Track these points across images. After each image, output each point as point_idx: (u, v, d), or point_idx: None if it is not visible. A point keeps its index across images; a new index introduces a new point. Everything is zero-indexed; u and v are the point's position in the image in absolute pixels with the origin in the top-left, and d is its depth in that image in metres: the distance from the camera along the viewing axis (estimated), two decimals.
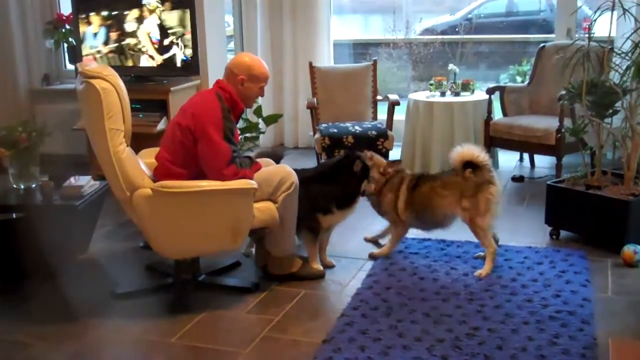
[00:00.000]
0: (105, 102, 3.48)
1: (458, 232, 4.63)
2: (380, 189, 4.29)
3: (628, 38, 4.40)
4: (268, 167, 3.96)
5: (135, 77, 5.75)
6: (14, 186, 4.29)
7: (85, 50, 5.75)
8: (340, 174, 4.15)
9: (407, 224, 4.32)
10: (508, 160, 6.37)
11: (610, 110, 4.44)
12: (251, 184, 3.61)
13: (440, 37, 7.95)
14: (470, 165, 4.05)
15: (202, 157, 3.63)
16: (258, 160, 3.92)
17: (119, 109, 3.55)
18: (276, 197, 3.76)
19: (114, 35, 5.67)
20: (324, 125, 6.07)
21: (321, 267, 4.12)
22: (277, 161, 4.33)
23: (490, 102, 5.95)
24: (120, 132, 3.55)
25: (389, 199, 4.29)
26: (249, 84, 3.80)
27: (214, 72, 5.79)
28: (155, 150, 3.88)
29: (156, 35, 5.58)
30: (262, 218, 3.72)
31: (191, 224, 3.60)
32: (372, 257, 4.33)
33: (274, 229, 3.83)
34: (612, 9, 4.33)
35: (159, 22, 5.53)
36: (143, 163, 3.81)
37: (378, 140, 5.83)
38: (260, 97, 3.97)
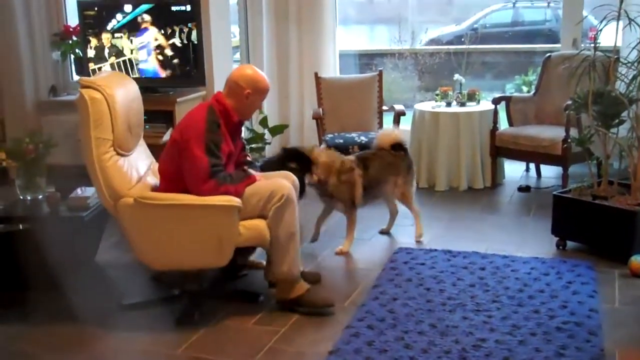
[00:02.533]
0: (92, 111, 3.57)
1: (464, 242, 4.64)
2: (327, 178, 4.46)
3: (634, 48, 4.41)
4: (266, 181, 3.83)
5: (141, 88, 5.75)
6: (21, 197, 4.30)
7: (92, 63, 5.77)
8: (282, 169, 4.18)
9: (358, 208, 4.63)
10: (514, 170, 6.36)
11: (617, 120, 4.43)
12: (233, 200, 3.53)
13: (445, 47, 7.97)
14: (400, 147, 4.74)
15: (183, 171, 3.62)
16: (256, 174, 3.83)
17: (108, 119, 3.61)
18: (267, 211, 3.64)
19: (121, 47, 5.69)
20: (329, 135, 6.07)
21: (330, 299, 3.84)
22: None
23: (496, 112, 5.94)
24: (107, 141, 3.60)
25: (343, 189, 4.51)
26: (254, 97, 3.78)
27: (220, 83, 5.75)
28: None
29: (163, 46, 5.59)
30: (249, 236, 3.62)
31: (171, 237, 3.60)
32: (340, 254, 4.56)
33: (272, 246, 3.70)
34: (618, 19, 4.34)
35: (165, 33, 5.55)
36: (153, 173, 3.90)
37: None
38: (265, 108, 3.97)
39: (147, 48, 5.62)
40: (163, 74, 5.68)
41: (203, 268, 3.80)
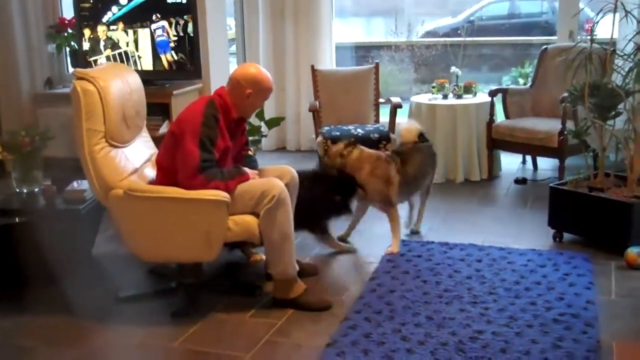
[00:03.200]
0: (84, 103, 3.58)
1: (461, 234, 4.64)
2: (344, 167, 4.41)
3: (630, 40, 4.40)
4: (260, 179, 3.80)
5: None
6: (17, 190, 4.30)
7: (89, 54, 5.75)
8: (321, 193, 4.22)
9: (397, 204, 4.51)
10: (511, 162, 6.37)
11: (613, 112, 4.43)
12: (221, 195, 3.51)
13: (442, 39, 7.95)
14: (425, 138, 4.76)
15: (176, 163, 3.61)
16: (249, 171, 3.77)
17: (100, 111, 3.62)
18: (258, 210, 3.59)
19: (117, 40, 5.67)
20: (326, 128, 6.07)
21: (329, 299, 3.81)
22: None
23: (492, 104, 5.94)
24: (98, 132, 3.62)
25: (378, 188, 4.38)
26: (255, 97, 3.74)
27: (216, 75, 5.79)
28: None
29: (159, 38, 5.58)
30: (238, 231, 3.59)
31: (160, 230, 3.61)
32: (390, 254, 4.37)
33: (266, 247, 3.68)
34: (614, 11, 4.33)
35: (162, 25, 5.53)
36: (152, 164, 3.94)
37: (380, 143, 5.82)
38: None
39: (143, 40, 5.62)
40: (159, 66, 5.66)
41: (192, 261, 3.82)
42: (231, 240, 3.64)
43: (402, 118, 6.16)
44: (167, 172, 3.68)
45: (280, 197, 3.57)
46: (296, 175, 3.98)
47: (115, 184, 3.61)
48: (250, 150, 4.10)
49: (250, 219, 3.61)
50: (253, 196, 3.60)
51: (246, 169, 3.76)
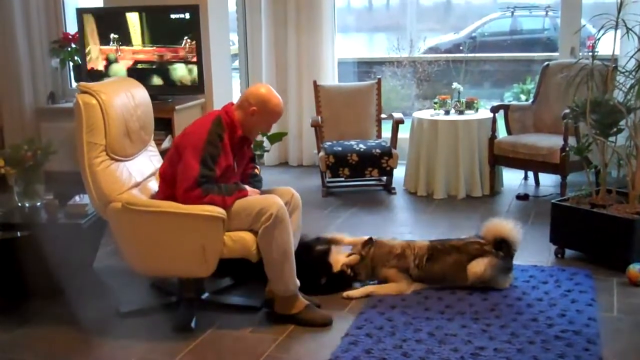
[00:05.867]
0: (86, 116, 3.60)
1: None
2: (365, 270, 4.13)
3: (632, 57, 4.41)
4: (259, 196, 3.76)
5: None
6: (19, 204, 4.30)
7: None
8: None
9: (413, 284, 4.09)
10: (512, 178, 6.37)
11: (615, 129, 4.44)
12: (216, 211, 3.50)
13: (444, 55, 7.98)
14: (506, 246, 4.06)
15: (176, 176, 3.62)
16: (249, 189, 3.75)
17: (101, 124, 3.64)
18: (256, 228, 3.57)
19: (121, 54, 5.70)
20: (328, 143, 6.08)
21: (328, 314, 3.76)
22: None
23: (494, 120, 5.95)
24: (99, 145, 3.64)
25: (391, 273, 4.09)
26: (259, 117, 3.70)
27: (219, 91, 5.81)
28: None
29: (162, 53, 5.61)
30: (234, 248, 3.57)
31: (156, 244, 3.61)
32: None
33: (266, 265, 3.63)
34: (616, 28, 4.35)
35: (165, 41, 5.57)
36: (157, 178, 3.95)
37: (382, 159, 5.84)
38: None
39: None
40: (162, 81, 5.68)
41: (188, 276, 3.82)
42: (227, 256, 3.62)
43: (404, 134, 6.15)
44: (169, 183, 3.69)
45: (277, 215, 3.54)
46: (297, 195, 3.95)
47: (114, 197, 3.62)
48: (257, 169, 4.07)
49: (247, 236, 3.60)
50: (250, 213, 3.58)
51: (246, 187, 3.75)
